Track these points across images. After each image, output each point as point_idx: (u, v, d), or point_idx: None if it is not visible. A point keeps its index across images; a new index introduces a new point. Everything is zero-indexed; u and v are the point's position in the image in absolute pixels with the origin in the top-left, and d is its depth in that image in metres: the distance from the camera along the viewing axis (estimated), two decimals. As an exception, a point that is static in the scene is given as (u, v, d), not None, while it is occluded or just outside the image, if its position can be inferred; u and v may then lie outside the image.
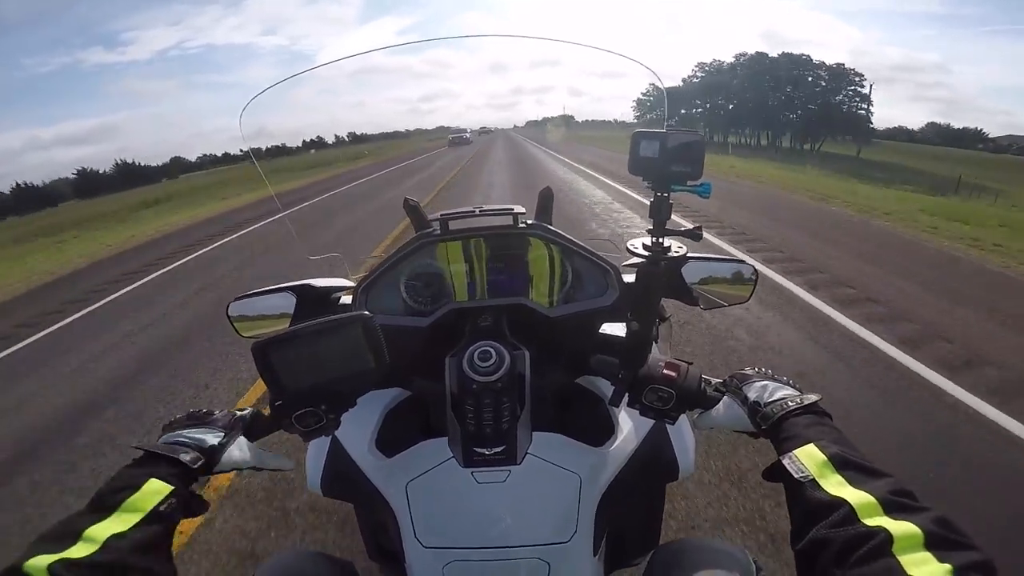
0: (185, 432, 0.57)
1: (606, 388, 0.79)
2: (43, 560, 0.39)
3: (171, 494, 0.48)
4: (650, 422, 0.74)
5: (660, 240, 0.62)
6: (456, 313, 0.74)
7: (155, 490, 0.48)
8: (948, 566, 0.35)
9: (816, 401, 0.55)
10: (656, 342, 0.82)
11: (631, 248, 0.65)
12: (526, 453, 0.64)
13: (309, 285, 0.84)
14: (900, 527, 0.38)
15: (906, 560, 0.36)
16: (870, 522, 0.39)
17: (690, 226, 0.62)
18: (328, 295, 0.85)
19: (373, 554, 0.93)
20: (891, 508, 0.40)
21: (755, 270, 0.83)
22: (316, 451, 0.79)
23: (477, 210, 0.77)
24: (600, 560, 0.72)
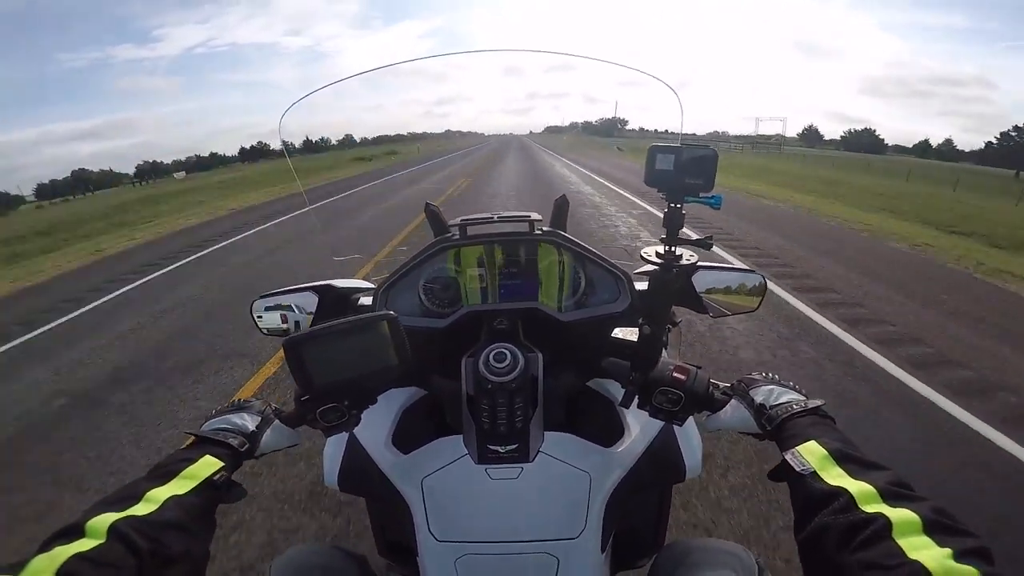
0: (228, 418, 0.62)
1: (616, 391, 0.81)
2: (105, 519, 0.42)
3: (222, 468, 0.53)
4: (658, 424, 0.76)
5: (673, 249, 0.65)
6: (472, 316, 0.77)
7: (210, 463, 0.52)
8: (948, 550, 0.36)
9: (820, 405, 0.57)
10: (665, 347, 0.84)
11: (645, 256, 0.67)
12: (538, 451, 0.66)
13: (331, 286, 0.87)
14: (899, 514, 0.39)
15: (906, 544, 0.37)
16: (869, 509, 0.41)
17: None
18: (348, 296, 0.89)
19: (383, 550, 0.95)
20: (889, 496, 0.42)
21: (764, 280, 0.85)
22: (334, 447, 0.81)
23: (495, 216, 0.80)
24: (607, 559, 0.73)
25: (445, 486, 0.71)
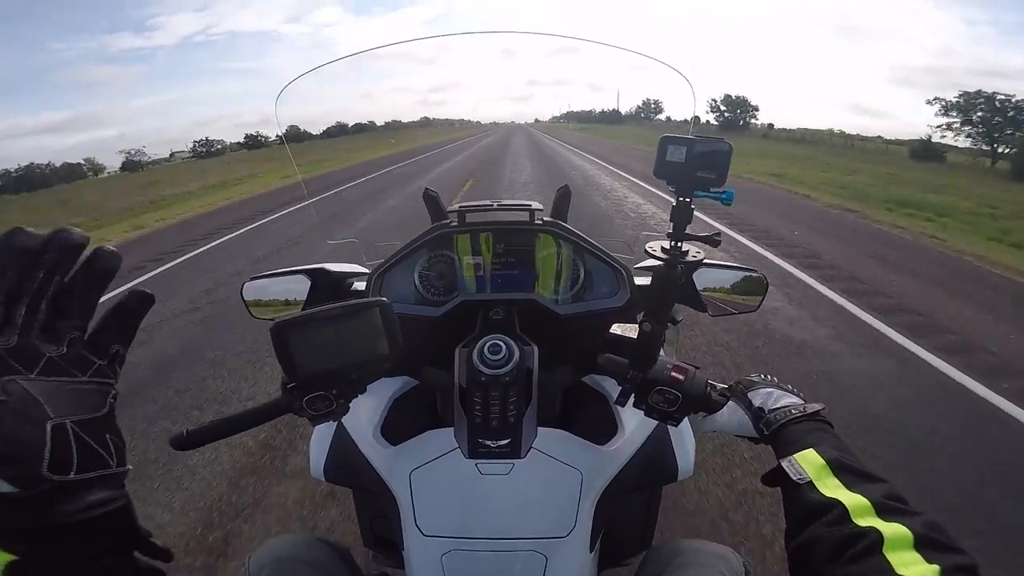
0: None
1: (611, 388, 0.80)
2: None
3: None
4: (652, 423, 0.75)
5: (679, 244, 0.63)
6: (468, 305, 0.75)
7: None
8: (936, 567, 0.36)
9: (819, 410, 0.56)
10: (663, 344, 0.82)
11: (649, 250, 0.65)
12: (530, 447, 0.64)
13: (324, 269, 0.84)
14: (891, 528, 0.39)
15: (896, 560, 0.37)
16: (862, 523, 0.41)
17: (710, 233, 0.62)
18: (342, 280, 0.86)
19: (369, 541, 0.93)
20: (883, 510, 0.42)
21: (765, 280, 0.83)
22: (321, 437, 0.79)
23: (495, 204, 0.78)
24: (595, 557, 0.72)
25: (434, 480, 0.69)
